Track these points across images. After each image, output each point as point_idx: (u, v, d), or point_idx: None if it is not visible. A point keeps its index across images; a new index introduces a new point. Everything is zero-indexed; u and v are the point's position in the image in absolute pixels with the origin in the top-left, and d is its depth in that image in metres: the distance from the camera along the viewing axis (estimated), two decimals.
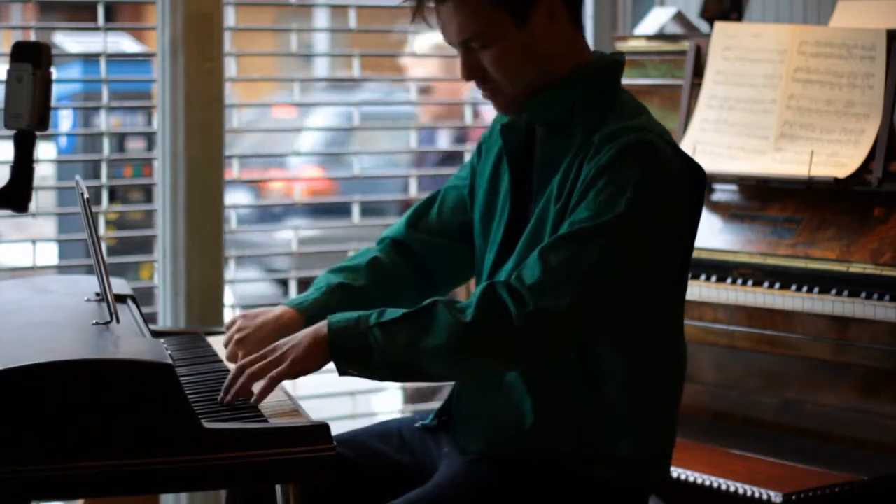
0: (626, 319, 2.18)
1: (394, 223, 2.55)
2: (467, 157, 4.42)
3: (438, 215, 2.48)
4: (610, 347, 2.19)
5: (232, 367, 2.18)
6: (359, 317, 2.13)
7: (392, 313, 2.13)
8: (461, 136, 4.49)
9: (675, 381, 2.29)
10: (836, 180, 3.02)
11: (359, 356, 2.11)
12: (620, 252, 2.11)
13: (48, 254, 3.92)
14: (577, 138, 2.20)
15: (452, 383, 2.38)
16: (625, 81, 3.61)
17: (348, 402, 3.96)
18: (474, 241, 2.39)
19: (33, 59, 2.06)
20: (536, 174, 2.26)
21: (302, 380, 2.27)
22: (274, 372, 2.10)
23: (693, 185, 2.21)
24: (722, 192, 3.28)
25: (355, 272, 2.44)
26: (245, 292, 4.79)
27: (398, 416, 3.71)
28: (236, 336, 2.32)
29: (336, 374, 2.18)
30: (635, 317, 2.19)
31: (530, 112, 2.25)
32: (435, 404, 2.43)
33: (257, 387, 2.10)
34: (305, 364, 2.12)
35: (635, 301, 2.17)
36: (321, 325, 2.14)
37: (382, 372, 2.14)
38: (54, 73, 2.10)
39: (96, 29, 3.59)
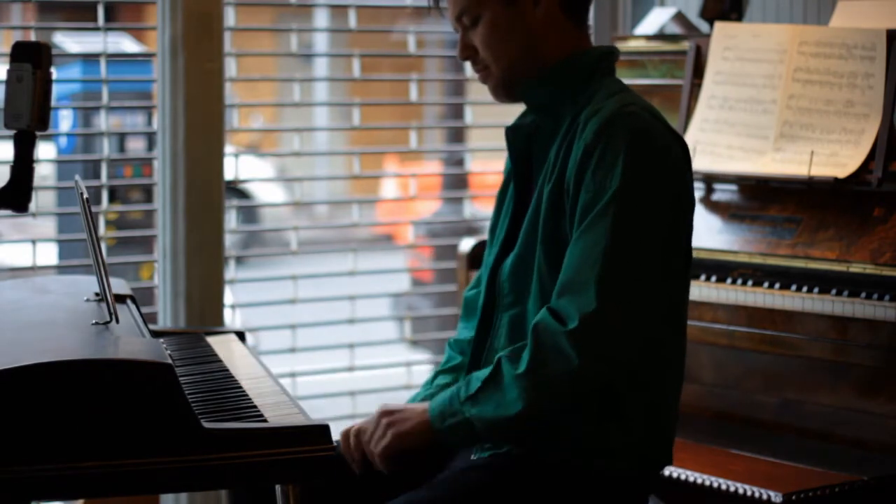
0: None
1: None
2: (467, 157, 4.43)
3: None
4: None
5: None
6: (450, 396, 2.18)
7: (475, 382, 2.17)
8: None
9: (679, 369, 2.30)
10: (836, 180, 3.02)
11: (461, 432, 2.17)
12: (629, 224, 2.13)
13: (48, 254, 3.92)
14: (566, 121, 2.25)
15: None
16: (625, 81, 3.61)
17: (348, 402, 3.96)
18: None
19: (33, 59, 2.06)
20: (534, 163, 2.31)
21: (302, 380, 2.28)
22: (380, 448, 2.19)
23: (682, 152, 2.25)
24: (722, 192, 3.28)
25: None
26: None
27: None
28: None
29: (336, 375, 2.19)
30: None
31: (522, 96, 2.32)
32: None
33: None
34: (409, 443, 2.18)
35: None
36: (426, 412, 2.20)
37: (486, 437, 2.19)
38: (54, 73, 2.11)
39: (96, 29, 3.59)
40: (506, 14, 2.27)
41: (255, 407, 2.07)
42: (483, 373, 2.17)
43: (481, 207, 4.59)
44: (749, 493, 2.79)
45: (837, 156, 3.05)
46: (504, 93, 2.33)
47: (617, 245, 2.12)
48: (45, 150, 4.52)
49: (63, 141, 4.83)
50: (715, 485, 2.85)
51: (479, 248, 3.50)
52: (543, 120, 2.30)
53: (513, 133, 2.35)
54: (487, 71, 2.31)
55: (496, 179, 2.65)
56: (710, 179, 3.28)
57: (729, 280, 3.11)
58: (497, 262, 2.32)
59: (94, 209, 2.30)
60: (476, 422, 2.15)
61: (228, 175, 3.68)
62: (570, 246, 2.16)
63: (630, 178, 2.13)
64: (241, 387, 2.19)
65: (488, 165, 4.46)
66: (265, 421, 2.00)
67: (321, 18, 10.28)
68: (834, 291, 2.93)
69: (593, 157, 2.15)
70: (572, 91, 2.27)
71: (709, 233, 3.20)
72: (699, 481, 2.88)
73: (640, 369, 2.21)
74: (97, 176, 3.65)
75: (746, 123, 3.24)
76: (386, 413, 2.22)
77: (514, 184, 2.35)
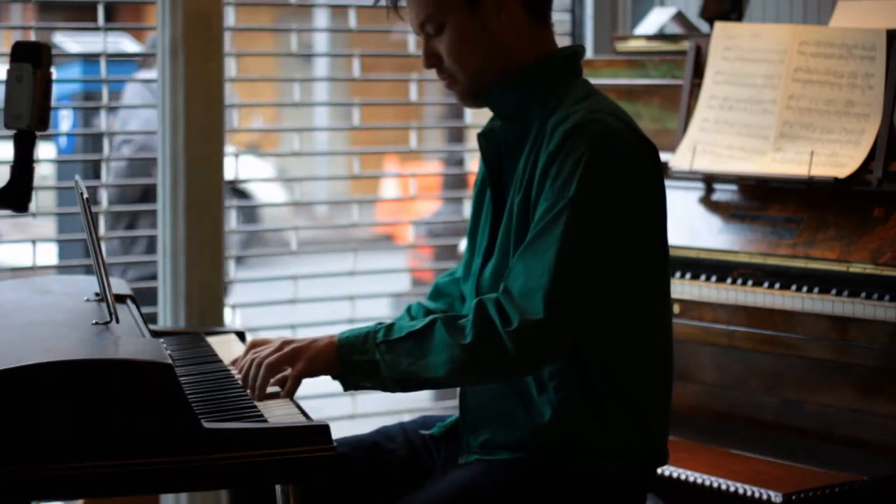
0: (615, 308, 2.19)
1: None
2: (465, 157, 4.43)
3: None
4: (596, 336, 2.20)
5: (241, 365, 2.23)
6: (367, 333, 2.19)
7: (399, 330, 2.18)
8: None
9: (665, 370, 2.30)
10: (836, 180, 3.02)
11: (366, 371, 2.19)
12: (579, 235, 2.13)
13: (48, 254, 3.93)
14: (534, 128, 2.23)
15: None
16: (625, 81, 3.62)
17: (348, 401, 3.96)
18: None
19: (33, 59, 2.06)
20: (505, 170, 2.30)
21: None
22: (295, 370, 2.18)
23: (649, 157, 2.23)
24: (722, 192, 3.28)
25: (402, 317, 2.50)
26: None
27: (405, 418, 3.71)
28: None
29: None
30: (621, 303, 2.19)
31: (488, 103, 2.30)
32: (448, 402, 2.43)
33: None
34: (318, 366, 2.19)
35: (619, 284, 2.17)
36: (334, 336, 2.21)
37: (390, 385, 2.20)
38: (54, 73, 2.11)
39: (96, 29, 3.59)
40: (471, 22, 2.24)
41: (254, 407, 2.07)
42: (410, 325, 2.18)
43: None
44: (749, 493, 2.79)
45: (837, 156, 3.05)
46: (471, 100, 2.31)
47: (567, 255, 2.11)
48: (45, 150, 4.52)
49: (63, 141, 4.83)
50: (715, 485, 2.85)
51: None
52: (510, 126, 2.28)
53: (484, 138, 2.33)
54: (453, 79, 2.28)
55: None
56: (710, 179, 3.28)
57: (729, 280, 3.11)
58: (480, 271, 2.31)
59: (93, 209, 2.30)
60: (384, 367, 2.16)
61: (228, 175, 3.68)
62: (524, 246, 2.15)
63: (586, 187, 2.12)
64: (241, 387, 2.19)
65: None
66: (265, 421, 2.00)
67: (321, 18, 10.29)
68: (834, 291, 2.93)
69: (554, 165, 2.15)
70: (538, 96, 2.25)
71: (709, 233, 3.20)
72: (699, 481, 2.88)
73: (622, 375, 2.21)
74: (97, 176, 3.64)
75: (746, 123, 3.24)
76: (288, 341, 2.22)
77: (490, 189, 2.33)
